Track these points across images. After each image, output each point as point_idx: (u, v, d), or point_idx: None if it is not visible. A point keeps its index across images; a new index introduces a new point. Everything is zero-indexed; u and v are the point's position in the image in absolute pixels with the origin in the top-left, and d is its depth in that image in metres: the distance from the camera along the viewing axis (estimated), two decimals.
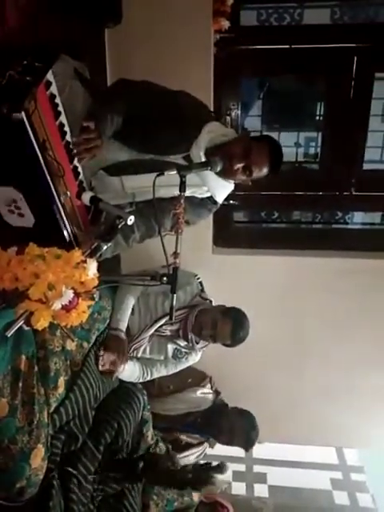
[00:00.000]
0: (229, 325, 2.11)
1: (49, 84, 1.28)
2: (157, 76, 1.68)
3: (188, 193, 1.47)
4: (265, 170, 1.64)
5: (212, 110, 2.10)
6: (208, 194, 1.77)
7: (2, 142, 1.21)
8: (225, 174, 1.62)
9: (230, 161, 1.57)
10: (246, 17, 2.48)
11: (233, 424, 2.44)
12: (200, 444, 2.52)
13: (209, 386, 2.61)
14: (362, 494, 3.25)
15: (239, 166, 1.59)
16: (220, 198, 1.81)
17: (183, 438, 2.47)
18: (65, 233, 1.42)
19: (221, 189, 1.77)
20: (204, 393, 2.57)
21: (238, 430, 2.43)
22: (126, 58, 2.24)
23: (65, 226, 1.41)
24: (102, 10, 2.03)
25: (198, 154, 1.62)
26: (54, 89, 1.31)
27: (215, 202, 1.82)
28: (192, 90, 1.71)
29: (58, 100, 1.33)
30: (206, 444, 2.54)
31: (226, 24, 2.29)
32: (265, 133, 2.81)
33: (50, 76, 1.28)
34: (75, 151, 1.45)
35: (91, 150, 1.49)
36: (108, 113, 1.53)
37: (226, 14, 2.27)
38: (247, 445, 2.50)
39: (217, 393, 2.63)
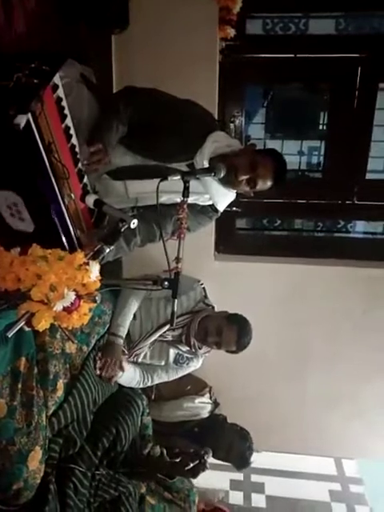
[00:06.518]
0: (234, 332, 2.10)
1: (55, 87, 1.29)
2: (162, 82, 1.69)
3: (190, 200, 1.47)
4: (268, 183, 1.65)
5: (217, 118, 2.11)
6: (210, 202, 1.78)
7: (7, 144, 1.21)
8: (228, 184, 1.64)
9: (235, 172, 1.58)
10: (251, 25, 2.50)
11: (231, 443, 2.42)
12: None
13: (208, 395, 2.59)
14: (361, 507, 3.20)
15: (244, 178, 1.61)
16: (221, 207, 1.82)
17: (178, 445, 2.45)
18: (64, 240, 1.42)
19: (223, 197, 1.78)
20: (202, 402, 2.55)
21: (236, 450, 2.42)
22: (132, 63, 2.25)
23: (64, 233, 1.41)
24: (109, 15, 2.06)
25: (202, 163, 1.63)
26: (60, 92, 1.32)
27: (216, 210, 1.82)
28: (197, 96, 1.72)
29: (64, 103, 1.34)
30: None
31: (231, 32, 2.31)
32: (268, 141, 2.84)
33: (56, 79, 1.30)
34: (84, 169, 1.48)
35: (98, 167, 1.52)
36: (114, 121, 1.55)
37: (232, 22, 2.29)
38: (242, 466, 2.50)
39: (216, 404, 2.60)
